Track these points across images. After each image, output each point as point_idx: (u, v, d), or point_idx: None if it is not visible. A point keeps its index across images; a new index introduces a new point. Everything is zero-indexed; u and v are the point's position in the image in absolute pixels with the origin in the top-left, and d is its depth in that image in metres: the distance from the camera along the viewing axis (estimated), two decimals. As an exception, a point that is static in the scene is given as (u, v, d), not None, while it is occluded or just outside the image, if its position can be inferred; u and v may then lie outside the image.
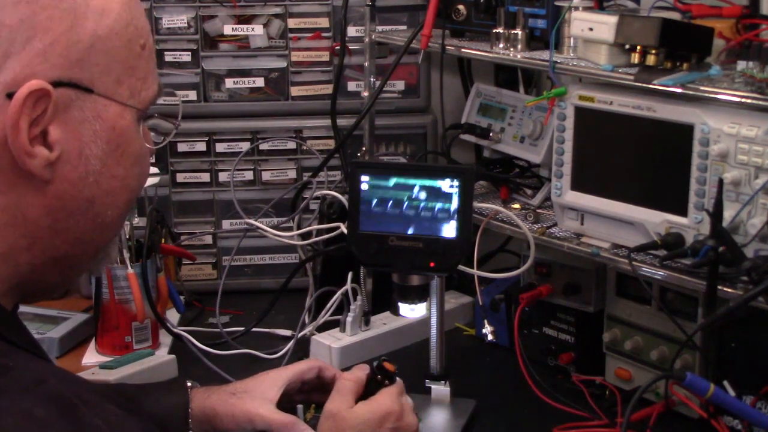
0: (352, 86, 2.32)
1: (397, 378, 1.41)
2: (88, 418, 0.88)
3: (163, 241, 2.03)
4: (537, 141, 1.95)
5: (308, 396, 1.49)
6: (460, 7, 1.96)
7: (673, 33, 1.53)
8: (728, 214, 1.47)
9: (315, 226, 2.07)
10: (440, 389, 1.75)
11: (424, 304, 1.71)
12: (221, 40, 2.30)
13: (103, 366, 1.80)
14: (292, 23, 2.29)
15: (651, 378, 1.47)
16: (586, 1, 1.74)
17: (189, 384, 1.43)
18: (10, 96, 0.90)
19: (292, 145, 2.30)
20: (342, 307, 2.01)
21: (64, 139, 0.94)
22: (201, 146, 2.29)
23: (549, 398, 1.74)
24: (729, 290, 1.47)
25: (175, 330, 1.99)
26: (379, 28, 2.18)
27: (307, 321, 2.05)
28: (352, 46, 2.28)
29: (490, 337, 1.77)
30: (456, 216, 1.61)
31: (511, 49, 1.84)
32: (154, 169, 2.15)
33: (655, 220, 1.60)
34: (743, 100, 1.45)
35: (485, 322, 1.78)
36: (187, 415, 1.38)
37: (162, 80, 2.25)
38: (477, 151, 2.26)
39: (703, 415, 1.54)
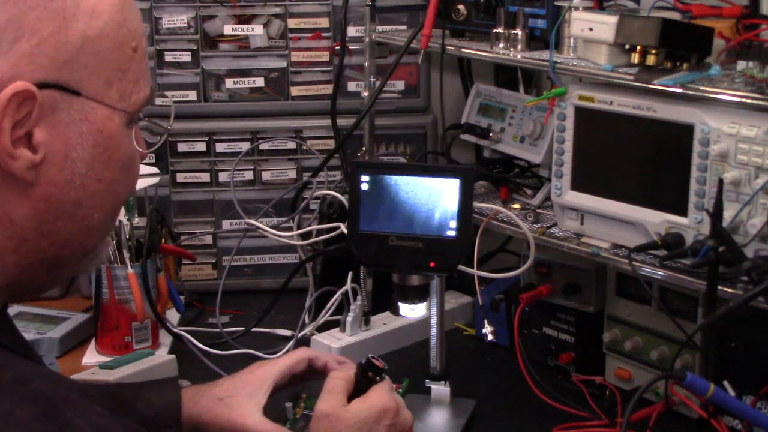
0: (352, 86, 2.32)
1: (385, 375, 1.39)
2: (70, 419, 0.88)
3: (163, 241, 2.03)
4: (537, 141, 1.95)
5: (300, 386, 1.48)
6: (460, 7, 1.96)
7: (673, 33, 1.53)
8: (728, 214, 1.47)
9: (315, 226, 2.07)
10: (440, 389, 1.75)
11: (424, 304, 1.71)
12: (221, 40, 2.30)
13: (103, 366, 1.80)
14: (292, 23, 2.29)
15: (651, 378, 1.47)
16: (586, 1, 1.74)
17: (181, 383, 1.42)
18: None
19: (292, 145, 2.30)
20: (342, 307, 2.01)
21: (49, 142, 0.93)
22: (201, 146, 2.29)
23: (549, 398, 1.74)
24: (729, 290, 1.47)
25: (175, 330, 1.99)
26: (379, 28, 2.18)
27: (307, 321, 2.05)
28: (352, 46, 2.28)
29: (490, 337, 1.77)
30: (456, 216, 1.61)
31: (511, 49, 1.84)
32: (154, 169, 2.15)
33: (655, 220, 1.60)
34: (743, 100, 1.45)
35: (485, 322, 1.78)
36: (179, 414, 1.37)
37: (162, 80, 2.28)
38: (477, 151, 2.26)
39: (703, 415, 1.54)
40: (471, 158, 2.32)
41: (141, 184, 2.01)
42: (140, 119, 1.03)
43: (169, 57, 2.28)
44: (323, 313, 2.03)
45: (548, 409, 1.73)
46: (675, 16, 1.67)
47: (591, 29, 1.63)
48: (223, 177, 2.29)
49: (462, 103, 2.20)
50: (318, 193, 2.12)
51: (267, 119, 2.31)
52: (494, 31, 1.86)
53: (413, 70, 2.33)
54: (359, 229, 1.65)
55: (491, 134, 2.02)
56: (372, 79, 2.17)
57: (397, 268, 1.67)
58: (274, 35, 2.30)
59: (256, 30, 2.28)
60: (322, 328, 2.03)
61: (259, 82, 2.30)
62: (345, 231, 1.85)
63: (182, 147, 2.29)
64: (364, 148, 2.22)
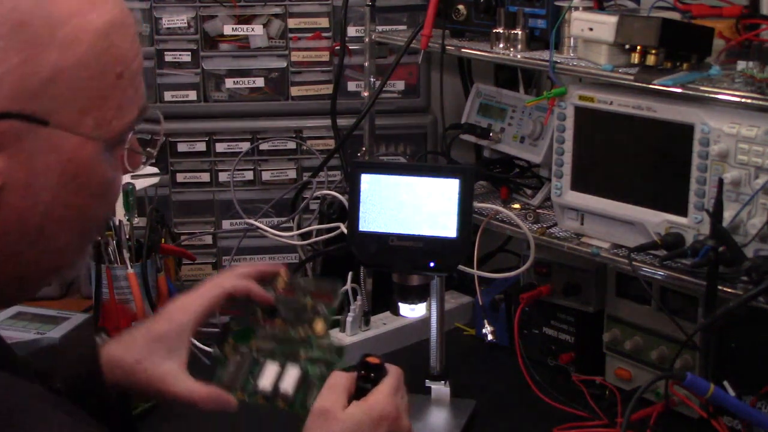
0: (352, 86, 2.32)
1: (394, 368, 1.32)
2: (25, 427, 0.85)
3: (163, 241, 2.03)
4: (537, 141, 1.95)
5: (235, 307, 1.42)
6: (460, 7, 1.96)
7: (673, 33, 1.53)
8: (728, 214, 1.47)
9: (315, 226, 2.07)
10: (440, 389, 1.75)
11: (424, 304, 1.71)
12: (221, 40, 2.30)
13: (103, 366, 1.80)
14: (292, 23, 2.29)
15: (651, 378, 1.47)
16: (586, 1, 1.74)
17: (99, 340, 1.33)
18: None
19: (292, 145, 2.30)
20: (342, 307, 2.01)
21: (9, 169, 0.90)
22: (201, 146, 2.29)
23: (549, 398, 1.74)
24: (729, 290, 1.47)
25: (175, 330, 1.99)
26: (379, 28, 2.18)
27: (307, 321, 2.05)
28: (352, 46, 2.28)
29: (490, 337, 1.77)
30: (456, 216, 1.61)
31: (511, 49, 1.84)
32: (154, 169, 2.15)
33: (655, 220, 1.60)
34: (743, 100, 1.45)
35: (485, 322, 1.78)
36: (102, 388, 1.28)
37: (162, 80, 2.28)
38: (477, 151, 2.26)
39: (703, 415, 1.54)
40: (471, 158, 2.32)
41: (141, 184, 2.01)
42: (130, 135, 1.00)
43: (169, 57, 2.28)
44: (323, 313, 2.03)
45: (548, 409, 1.73)
46: (675, 16, 1.67)
47: (591, 29, 1.63)
48: (223, 177, 2.29)
49: (462, 103, 2.20)
50: (318, 193, 2.12)
51: (267, 119, 2.31)
52: (494, 31, 1.86)
53: (413, 70, 2.33)
54: (359, 229, 1.65)
55: (491, 134, 2.02)
56: (372, 79, 2.17)
57: (397, 268, 1.67)
58: (274, 35, 2.30)
59: (256, 30, 2.28)
60: (322, 328, 2.03)
61: (259, 82, 2.31)
62: (345, 231, 1.85)
63: (182, 147, 2.29)
64: (364, 148, 2.22)
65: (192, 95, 2.30)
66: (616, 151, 1.68)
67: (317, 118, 2.30)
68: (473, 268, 1.76)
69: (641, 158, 1.64)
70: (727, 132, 1.48)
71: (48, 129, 0.92)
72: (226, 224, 2.32)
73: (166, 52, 2.28)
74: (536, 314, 1.92)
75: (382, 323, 2.04)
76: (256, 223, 2.09)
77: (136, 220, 1.97)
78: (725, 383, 1.46)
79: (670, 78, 1.53)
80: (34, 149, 0.92)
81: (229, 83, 2.30)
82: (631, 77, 1.59)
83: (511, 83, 2.20)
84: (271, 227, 2.09)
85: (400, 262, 1.65)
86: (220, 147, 2.30)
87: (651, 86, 1.55)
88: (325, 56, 2.31)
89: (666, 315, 1.63)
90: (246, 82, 2.30)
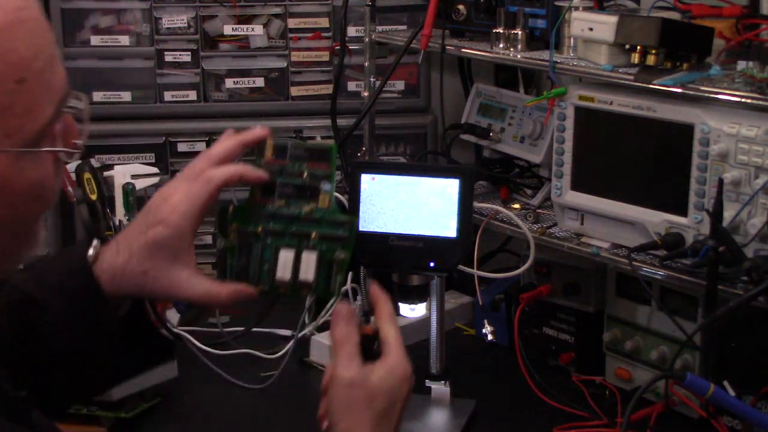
0: (352, 86, 2.32)
1: (387, 303, 1.23)
2: None
3: (163, 241, 2.03)
4: (537, 141, 1.95)
5: None
6: (460, 7, 1.96)
7: (673, 33, 1.54)
8: (728, 214, 1.47)
9: (315, 226, 2.06)
10: (440, 389, 1.75)
11: (424, 304, 1.71)
12: (221, 40, 2.30)
13: (103, 366, 1.79)
14: (292, 23, 2.29)
15: (651, 378, 1.47)
16: (586, 1, 1.74)
17: (91, 253, 1.20)
18: None
19: (292, 145, 2.30)
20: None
21: None
22: (201, 146, 2.29)
23: (549, 398, 1.74)
24: (729, 290, 1.47)
25: (175, 330, 1.98)
26: (379, 28, 2.18)
27: (307, 321, 2.05)
28: (352, 46, 2.28)
29: (490, 337, 1.77)
30: (456, 216, 1.61)
31: (511, 49, 1.84)
32: (154, 169, 2.15)
33: (655, 220, 1.60)
34: (743, 100, 1.45)
35: (485, 322, 1.78)
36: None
37: (162, 80, 2.28)
38: (477, 151, 2.26)
39: (703, 415, 1.54)
40: (471, 158, 2.32)
41: (141, 184, 2.01)
42: (58, 126, 0.95)
43: (169, 57, 2.28)
44: (323, 313, 2.03)
45: (548, 409, 1.73)
46: (675, 16, 1.67)
47: (591, 29, 1.63)
48: (223, 177, 2.29)
49: (462, 103, 2.20)
50: (318, 193, 2.11)
51: (267, 119, 2.31)
52: (494, 31, 1.86)
53: (413, 70, 2.33)
54: (359, 229, 1.64)
55: (491, 134, 2.02)
56: (372, 79, 2.17)
57: (397, 268, 1.67)
58: (274, 35, 2.30)
59: (256, 30, 2.28)
60: (322, 328, 2.03)
61: (259, 82, 2.31)
62: (345, 231, 1.85)
63: (182, 147, 2.29)
64: (364, 148, 2.22)
65: (192, 95, 2.30)
66: (616, 151, 1.68)
67: (317, 118, 2.30)
68: (473, 268, 1.76)
69: (641, 158, 1.64)
70: (727, 132, 1.48)
71: None
72: (225, 224, 2.32)
73: (166, 52, 2.28)
74: (536, 314, 1.92)
75: (382, 323, 2.04)
76: (256, 223, 2.09)
77: (136, 220, 1.96)
78: (725, 383, 1.46)
79: (670, 78, 1.53)
80: None
81: (229, 83, 2.30)
82: (631, 77, 1.59)
83: (511, 83, 2.20)
84: (271, 227, 2.08)
85: (400, 262, 1.65)
86: (220, 147, 2.30)
87: (651, 86, 1.55)
88: (325, 56, 2.31)
89: (666, 315, 1.63)
90: (246, 82, 2.30)
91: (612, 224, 1.69)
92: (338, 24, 2.25)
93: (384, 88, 2.15)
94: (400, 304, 1.70)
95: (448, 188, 1.62)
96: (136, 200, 2.01)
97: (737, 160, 1.47)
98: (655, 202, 1.61)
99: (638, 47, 1.56)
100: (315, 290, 1.24)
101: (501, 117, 2.04)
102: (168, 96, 2.30)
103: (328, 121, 2.23)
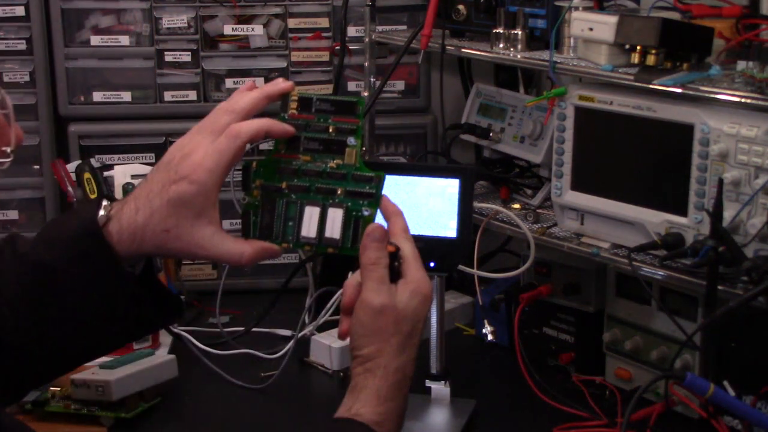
0: (352, 86, 2.32)
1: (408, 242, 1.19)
2: None
3: (163, 241, 2.03)
4: (537, 141, 1.94)
5: None
6: (460, 7, 1.96)
7: (673, 33, 1.54)
8: (728, 214, 1.47)
9: (315, 226, 2.06)
10: (440, 389, 1.75)
11: (424, 304, 1.71)
12: (221, 40, 2.30)
13: (103, 366, 1.79)
14: (292, 23, 2.29)
15: (651, 378, 1.47)
16: (586, 1, 1.74)
17: (102, 214, 1.14)
18: None
19: (292, 145, 2.30)
20: (342, 307, 2.00)
21: None
22: (201, 146, 2.29)
23: (549, 398, 1.74)
24: (729, 290, 1.47)
25: (175, 330, 1.99)
26: (379, 28, 2.18)
27: (307, 321, 2.05)
28: (352, 46, 2.28)
29: (490, 337, 1.77)
30: (456, 216, 1.61)
31: (511, 49, 1.84)
32: (154, 169, 2.15)
33: (655, 220, 1.60)
34: (743, 100, 1.45)
35: (485, 322, 1.78)
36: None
37: (162, 80, 2.28)
38: (477, 151, 2.26)
39: (703, 415, 1.54)
40: (471, 158, 2.32)
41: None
42: None
43: (169, 57, 2.28)
44: (323, 313, 2.03)
45: (548, 409, 1.73)
46: (675, 16, 1.67)
47: (591, 29, 1.64)
48: (223, 177, 2.29)
49: (462, 103, 2.20)
50: (318, 192, 2.11)
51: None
52: (494, 31, 1.86)
53: (413, 70, 2.33)
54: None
55: (491, 134, 2.02)
56: (372, 79, 2.17)
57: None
58: (274, 35, 2.30)
59: (256, 30, 2.28)
60: (322, 328, 2.03)
61: (259, 82, 2.30)
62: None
63: (182, 147, 2.28)
64: (364, 148, 2.22)
65: (192, 95, 2.30)
66: (616, 151, 1.68)
67: (317, 118, 2.29)
68: (473, 268, 1.76)
69: (641, 158, 1.64)
70: (727, 132, 1.48)
71: None
72: (226, 224, 2.30)
73: (166, 52, 2.28)
74: (536, 314, 1.92)
75: (382, 323, 2.04)
76: (256, 223, 2.09)
77: (136, 220, 1.96)
78: (725, 383, 1.46)
79: (670, 78, 1.53)
80: None
81: (229, 83, 2.30)
82: (631, 77, 1.59)
83: (511, 83, 2.20)
84: (271, 227, 2.08)
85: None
86: (220, 147, 2.29)
87: (651, 86, 1.55)
88: (325, 56, 2.31)
89: (666, 315, 1.63)
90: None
91: (612, 224, 1.69)
92: (338, 24, 2.25)
93: (384, 88, 2.15)
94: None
95: (448, 188, 1.62)
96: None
97: (737, 160, 1.47)
98: (655, 202, 1.61)
99: (638, 47, 1.56)
100: (341, 248, 1.20)
101: (501, 117, 2.04)
102: (168, 96, 2.30)
103: (328, 121, 2.23)
